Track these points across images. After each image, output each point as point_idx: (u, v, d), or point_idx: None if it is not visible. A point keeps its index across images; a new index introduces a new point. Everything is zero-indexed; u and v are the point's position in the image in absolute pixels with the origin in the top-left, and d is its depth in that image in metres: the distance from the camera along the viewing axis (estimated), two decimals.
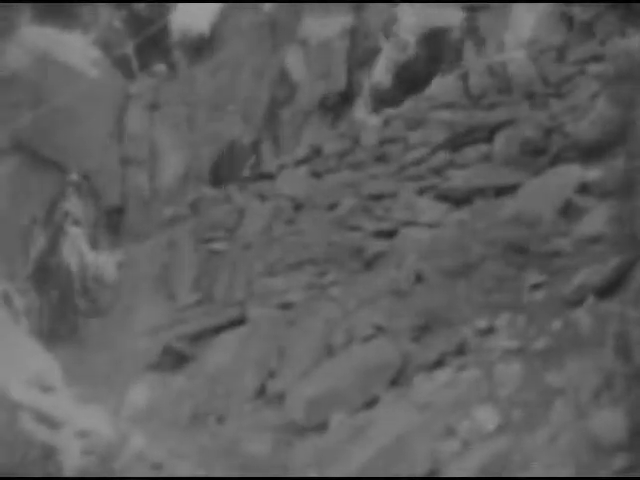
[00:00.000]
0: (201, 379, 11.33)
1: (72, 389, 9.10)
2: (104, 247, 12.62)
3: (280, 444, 9.26)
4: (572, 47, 15.04)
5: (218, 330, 12.48)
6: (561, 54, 15.21)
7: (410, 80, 18.87)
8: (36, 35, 21.03)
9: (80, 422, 7.66)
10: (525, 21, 17.53)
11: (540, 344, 8.54)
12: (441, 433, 7.77)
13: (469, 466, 7.28)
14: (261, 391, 10.86)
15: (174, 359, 11.60)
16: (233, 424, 9.69)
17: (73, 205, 12.90)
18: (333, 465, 8.14)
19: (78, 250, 12.14)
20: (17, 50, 20.19)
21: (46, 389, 8.14)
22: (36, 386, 8.04)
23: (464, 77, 16.38)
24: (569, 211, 11.20)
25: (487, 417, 7.71)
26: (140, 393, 9.82)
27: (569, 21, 15.88)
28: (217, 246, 16.23)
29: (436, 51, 19.08)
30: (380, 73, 19.11)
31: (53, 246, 12.18)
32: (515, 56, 15.96)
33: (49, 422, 7.48)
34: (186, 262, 15.10)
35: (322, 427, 9.29)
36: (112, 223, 20.06)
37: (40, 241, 11.99)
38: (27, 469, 7.05)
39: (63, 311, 11.36)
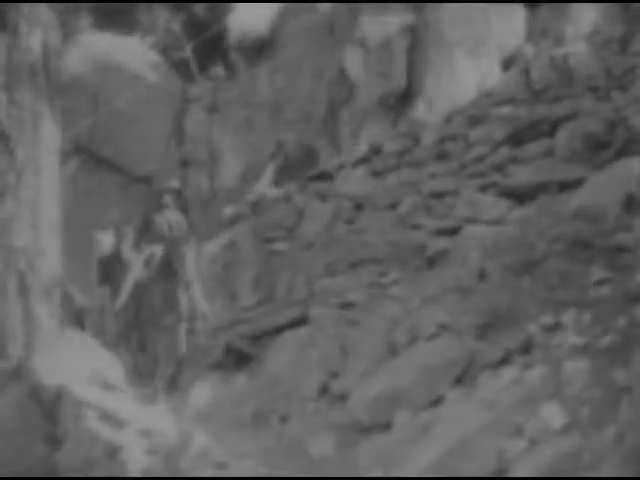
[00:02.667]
0: (263, 379, 11.31)
1: (134, 388, 9.14)
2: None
3: (344, 444, 9.20)
4: (634, 38, 14.80)
5: (279, 330, 12.45)
6: (623, 45, 15.01)
7: None
8: (95, 40, 21.30)
9: (143, 421, 7.67)
10: (586, 13, 17.31)
11: (606, 341, 8.40)
12: (507, 432, 7.65)
13: (537, 465, 7.16)
14: (324, 391, 10.81)
15: (236, 359, 11.60)
16: (296, 424, 9.64)
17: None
18: (398, 465, 8.05)
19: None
20: (77, 55, 20.46)
21: (109, 388, 8.17)
22: (99, 384, 8.08)
23: (525, 72, 16.22)
24: (633, 205, 11.00)
25: (554, 415, 7.58)
26: (202, 392, 9.83)
27: (630, 11, 15.62)
28: (277, 246, 16.24)
29: None
30: None
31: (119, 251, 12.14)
32: (576, 49, 15.77)
33: (112, 421, 7.50)
34: (247, 262, 15.12)
35: (386, 426, 9.21)
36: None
37: (106, 244, 12.00)
38: (91, 467, 7.09)
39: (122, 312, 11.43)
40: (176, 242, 11.41)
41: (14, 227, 9.00)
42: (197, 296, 11.55)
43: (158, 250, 11.35)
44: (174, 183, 13.01)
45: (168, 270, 11.36)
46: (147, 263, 11.36)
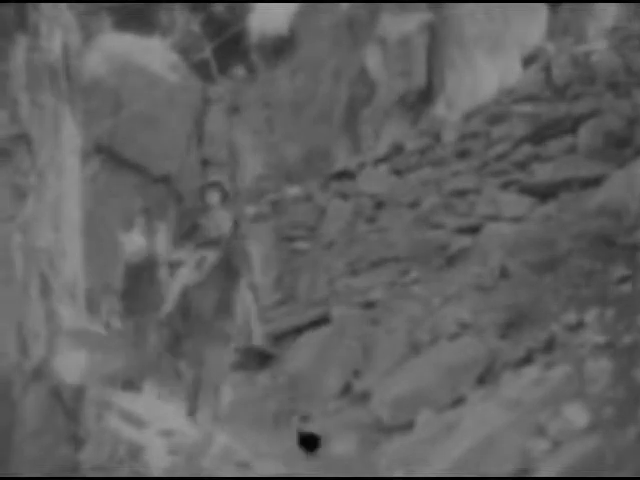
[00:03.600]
0: (285, 378, 11.32)
1: (157, 388, 9.16)
2: (187, 248, 12.57)
3: (365, 443, 9.20)
4: None
5: (301, 329, 12.47)
6: None
7: None
8: (115, 41, 21.32)
9: (165, 421, 7.69)
10: (607, 9, 17.21)
11: (628, 339, 8.35)
12: (531, 431, 7.62)
13: (560, 465, 7.13)
14: (345, 390, 10.81)
15: (258, 358, 11.61)
16: (318, 423, 9.65)
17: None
18: (421, 464, 8.03)
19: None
20: (97, 56, 20.49)
21: (131, 388, 8.19)
22: (120, 385, 8.10)
23: (546, 69, 16.14)
24: None
25: (577, 415, 7.54)
26: (224, 392, 9.82)
27: None
28: (299, 245, 16.24)
29: None
30: None
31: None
32: (597, 46, 15.68)
33: (135, 421, 7.52)
34: (268, 261, 15.11)
35: (408, 426, 9.20)
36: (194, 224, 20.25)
37: (135, 244, 11.91)
38: (114, 467, 7.11)
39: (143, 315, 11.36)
40: (235, 243, 10.20)
41: (36, 228, 9.02)
42: (257, 299, 10.53)
43: (210, 253, 10.14)
44: (216, 177, 11.99)
45: (224, 273, 10.12)
46: (198, 266, 10.16)
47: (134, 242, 11.88)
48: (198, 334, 9.84)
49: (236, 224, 10.30)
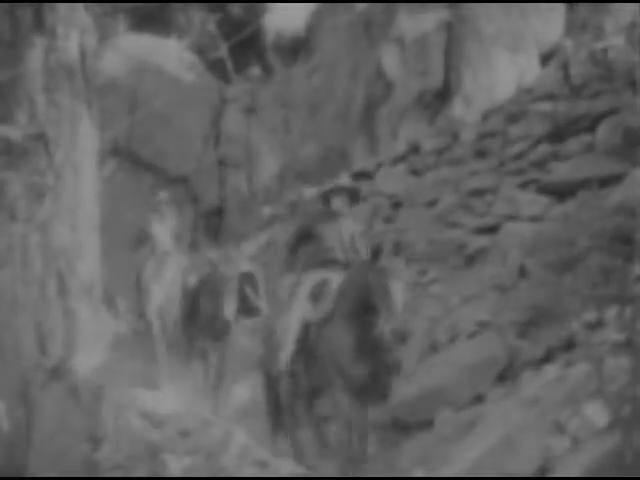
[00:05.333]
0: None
1: (175, 388, 9.16)
2: (204, 249, 12.55)
3: (385, 443, 9.16)
4: None
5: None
6: None
7: None
8: (132, 42, 21.41)
9: (184, 421, 7.68)
10: (624, 6, 17.12)
11: None
12: (550, 430, 7.57)
13: (580, 464, 7.07)
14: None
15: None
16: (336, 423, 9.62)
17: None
18: (440, 464, 7.98)
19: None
20: (114, 57, 20.58)
21: (149, 387, 8.19)
22: (138, 384, 8.10)
23: (565, 67, 16.08)
24: None
25: (597, 413, 7.48)
26: (243, 392, 9.82)
27: None
28: None
29: None
30: None
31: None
32: (615, 42, 15.61)
33: (153, 420, 7.51)
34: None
35: (427, 425, 9.16)
36: (211, 225, 20.27)
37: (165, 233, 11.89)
38: (133, 467, 7.11)
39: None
40: (374, 273, 7.43)
41: (53, 228, 9.04)
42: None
43: (333, 276, 7.91)
44: (344, 180, 9.35)
45: (358, 308, 7.50)
46: (317, 294, 7.93)
47: (165, 232, 11.84)
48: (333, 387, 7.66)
49: (377, 249, 7.66)
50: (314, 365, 7.77)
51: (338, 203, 8.32)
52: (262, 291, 10.52)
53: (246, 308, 10.42)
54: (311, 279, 8.04)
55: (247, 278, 10.42)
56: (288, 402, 8.28)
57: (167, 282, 11.28)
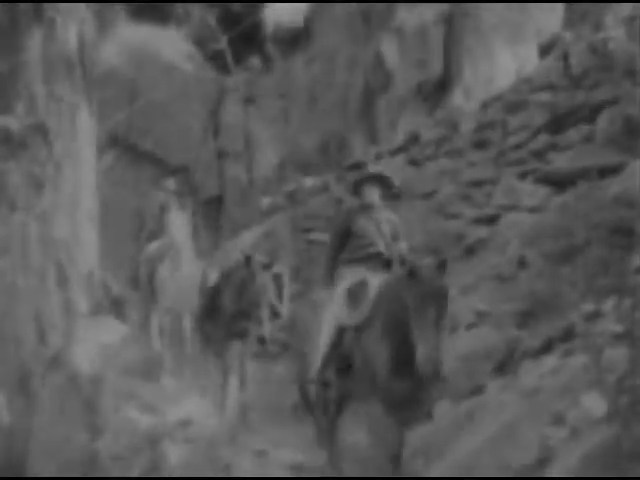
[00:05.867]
0: None
1: (174, 378, 9.16)
2: (204, 239, 12.51)
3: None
4: None
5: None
6: None
7: None
8: (131, 32, 21.36)
9: (183, 411, 7.69)
10: None
11: None
12: (549, 420, 7.58)
13: (578, 454, 7.09)
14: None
15: (275, 349, 11.57)
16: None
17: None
18: (439, 454, 8.00)
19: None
20: (113, 47, 20.54)
21: (149, 378, 8.19)
22: (139, 375, 8.11)
23: (564, 57, 16.05)
24: None
25: (595, 404, 7.49)
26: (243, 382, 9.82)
27: None
28: (315, 236, 16.22)
29: None
30: None
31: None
32: (615, 33, 15.59)
33: (153, 410, 7.53)
34: (285, 252, 15.12)
35: (426, 416, 9.16)
36: (210, 215, 20.26)
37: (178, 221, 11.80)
38: (132, 456, 7.12)
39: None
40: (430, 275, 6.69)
41: (53, 218, 9.06)
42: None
43: (373, 277, 7.17)
44: (373, 168, 8.36)
45: (399, 313, 6.66)
46: (355, 295, 7.21)
47: (178, 220, 11.73)
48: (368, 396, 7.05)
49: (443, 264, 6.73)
50: (347, 374, 7.06)
51: (369, 194, 7.56)
52: (286, 293, 9.97)
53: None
54: (349, 279, 7.28)
55: (275, 278, 9.91)
56: (319, 411, 7.62)
57: (184, 277, 10.89)
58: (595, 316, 9.15)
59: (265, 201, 17.53)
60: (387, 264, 7.41)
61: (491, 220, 13.56)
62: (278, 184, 19.64)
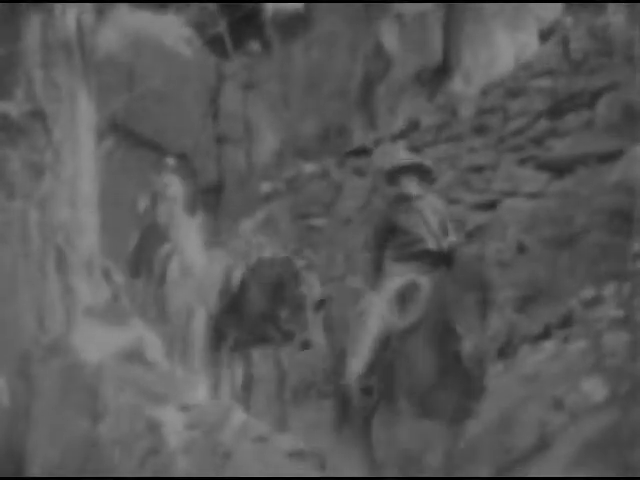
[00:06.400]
0: (303, 354, 11.30)
1: (173, 364, 9.18)
2: (203, 226, 12.46)
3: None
4: None
5: (319, 305, 12.42)
6: None
7: None
8: (129, 17, 21.24)
9: (183, 396, 7.71)
10: None
11: None
12: (548, 405, 7.60)
13: (577, 439, 7.11)
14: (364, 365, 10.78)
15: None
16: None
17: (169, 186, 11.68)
18: (439, 439, 8.02)
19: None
20: (111, 32, 20.43)
21: (148, 364, 8.20)
22: (138, 360, 8.12)
23: (564, 43, 16.03)
24: None
25: (595, 389, 7.52)
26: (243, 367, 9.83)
27: None
28: (315, 222, 16.25)
29: None
30: None
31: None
32: (615, 19, 15.56)
33: (152, 396, 7.54)
34: (285, 238, 15.10)
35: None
36: (210, 201, 20.23)
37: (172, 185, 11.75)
38: (132, 442, 7.14)
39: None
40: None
41: (52, 204, 9.05)
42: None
43: (423, 278, 6.44)
44: (413, 157, 7.52)
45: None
46: (403, 298, 6.53)
47: (171, 183, 11.65)
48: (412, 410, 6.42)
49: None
50: (389, 382, 6.45)
51: (407, 184, 6.86)
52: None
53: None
54: (398, 279, 6.59)
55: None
56: (358, 417, 7.05)
57: (203, 274, 10.20)
58: (594, 301, 9.18)
59: (264, 187, 17.48)
60: (438, 261, 6.64)
61: (491, 206, 13.58)
62: (278, 170, 19.61)
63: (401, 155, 7.49)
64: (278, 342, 9.11)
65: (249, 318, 9.13)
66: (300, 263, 9.11)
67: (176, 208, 11.56)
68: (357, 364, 6.57)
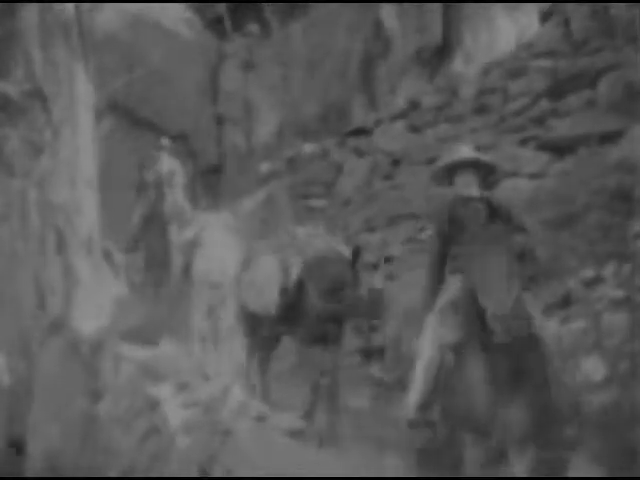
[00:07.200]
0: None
1: (172, 343, 9.16)
2: (203, 206, 12.46)
3: (379, 398, 9.22)
4: None
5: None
6: None
7: None
8: None
9: (181, 375, 7.71)
10: None
11: None
12: None
13: (578, 417, 7.12)
14: (363, 346, 10.81)
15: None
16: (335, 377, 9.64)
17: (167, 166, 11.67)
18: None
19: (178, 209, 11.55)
20: (110, 13, 20.40)
21: (147, 342, 8.20)
22: (138, 339, 8.12)
23: (565, 23, 15.97)
24: None
25: (595, 368, 7.53)
26: (241, 347, 9.83)
27: None
28: (315, 202, 16.24)
29: None
30: None
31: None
32: None
33: (151, 374, 7.55)
34: (284, 218, 15.10)
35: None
36: (210, 182, 20.23)
37: (144, 201, 11.77)
38: (132, 420, 7.16)
39: (162, 268, 11.27)
40: None
41: (52, 184, 9.05)
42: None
43: None
44: (471, 153, 6.40)
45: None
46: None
47: (164, 162, 11.62)
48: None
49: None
50: (451, 411, 5.48)
51: (464, 183, 6.17)
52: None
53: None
54: (454, 285, 5.77)
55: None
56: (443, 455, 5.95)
57: (260, 273, 9.08)
58: (595, 281, 9.17)
59: (264, 167, 17.46)
60: None
61: (490, 186, 13.53)
62: (277, 150, 19.58)
63: (463, 151, 6.33)
64: (339, 343, 8.31)
65: (308, 317, 8.20)
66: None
67: (180, 194, 11.55)
68: (414, 394, 5.67)
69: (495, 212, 6.08)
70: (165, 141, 12.06)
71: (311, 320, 8.15)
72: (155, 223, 11.37)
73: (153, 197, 11.56)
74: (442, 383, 5.46)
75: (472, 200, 6.06)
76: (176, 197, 11.52)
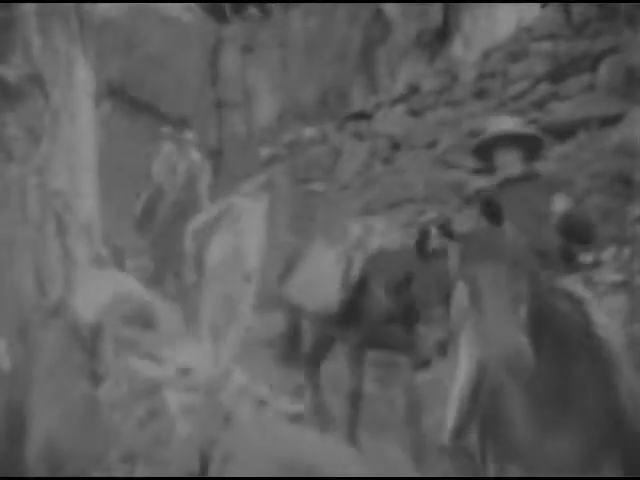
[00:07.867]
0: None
1: (174, 326, 9.17)
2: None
3: (382, 381, 9.20)
4: None
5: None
6: None
7: None
8: None
9: (182, 359, 7.73)
10: None
11: None
12: None
13: None
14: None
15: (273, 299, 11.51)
16: (336, 361, 9.65)
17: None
18: (439, 404, 8.03)
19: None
20: None
21: (148, 326, 8.22)
22: (138, 322, 8.13)
23: (566, 5, 15.92)
24: None
25: None
26: (241, 331, 9.82)
27: None
28: (314, 186, 16.21)
29: None
30: None
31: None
32: None
33: (152, 358, 7.57)
34: (284, 202, 15.11)
35: (425, 364, 9.15)
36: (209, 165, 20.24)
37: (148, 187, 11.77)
38: (132, 403, 7.17)
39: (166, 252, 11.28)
40: None
41: (51, 169, 9.03)
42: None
43: None
44: (509, 124, 5.63)
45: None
46: None
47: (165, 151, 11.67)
48: None
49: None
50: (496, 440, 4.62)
51: (505, 162, 5.40)
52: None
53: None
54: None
55: None
56: None
57: (314, 270, 8.29)
58: (594, 266, 9.17)
59: (264, 151, 17.44)
60: None
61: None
62: (277, 134, 19.56)
63: (505, 122, 5.54)
64: (404, 350, 7.39)
65: (369, 319, 7.41)
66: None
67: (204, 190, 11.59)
68: (450, 418, 5.02)
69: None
70: (168, 130, 12.10)
71: (373, 321, 7.33)
72: (176, 215, 11.35)
73: (162, 187, 11.60)
74: (480, 404, 4.75)
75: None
76: (199, 191, 11.57)
